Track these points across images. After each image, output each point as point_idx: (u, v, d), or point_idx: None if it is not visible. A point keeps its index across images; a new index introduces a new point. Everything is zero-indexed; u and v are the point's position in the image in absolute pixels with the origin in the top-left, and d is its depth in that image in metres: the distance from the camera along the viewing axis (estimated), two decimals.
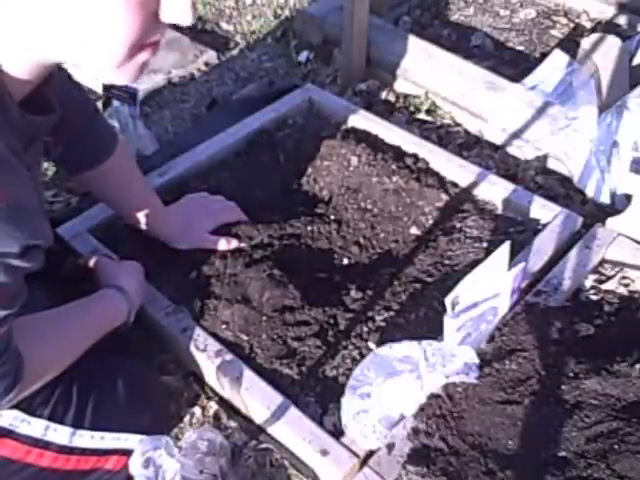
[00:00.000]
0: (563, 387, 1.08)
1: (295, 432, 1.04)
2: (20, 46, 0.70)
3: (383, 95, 1.82)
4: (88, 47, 0.68)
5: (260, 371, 1.11)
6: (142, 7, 0.66)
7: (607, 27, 1.99)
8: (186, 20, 0.69)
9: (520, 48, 1.98)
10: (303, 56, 1.96)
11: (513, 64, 1.89)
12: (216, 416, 1.15)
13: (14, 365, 0.82)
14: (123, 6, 0.64)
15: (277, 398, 1.07)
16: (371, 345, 1.17)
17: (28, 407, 0.92)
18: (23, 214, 0.72)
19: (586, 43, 1.59)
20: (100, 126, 1.19)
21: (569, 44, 1.91)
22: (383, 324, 1.20)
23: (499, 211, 1.42)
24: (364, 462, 1.01)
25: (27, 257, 0.74)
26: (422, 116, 1.76)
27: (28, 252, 0.74)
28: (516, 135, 1.62)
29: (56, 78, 0.86)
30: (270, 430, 1.09)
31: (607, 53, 1.55)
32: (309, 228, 1.36)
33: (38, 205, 0.77)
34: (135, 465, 0.98)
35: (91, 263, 1.19)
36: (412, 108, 1.78)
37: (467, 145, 1.68)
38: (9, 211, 0.69)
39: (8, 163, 0.71)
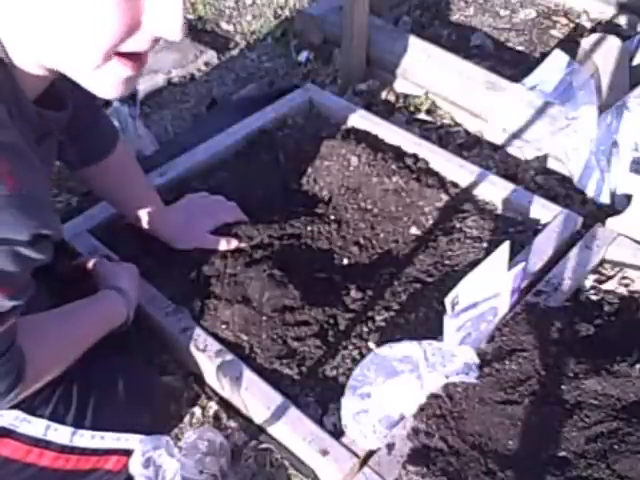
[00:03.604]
0: (563, 387, 1.08)
1: (295, 432, 1.04)
2: (23, 45, 0.69)
3: (383, 95, 1.82)
4: (67, 39, 0.65)
5: (260, 371, 1.11)
6: (123, 5, 0.63)
7: (607, 27, 2.00)
8: (175, 35, 0.65)
9: (520, 48, 1.98)
10: (303, 56, 1.96)
11: (513, 64, 1.89)
12: (216, 416, 1.15)
13: (17, 363, 0.82)
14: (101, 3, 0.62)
15: (277, 398, 1.07)
16: (371, 345, 1.17)
17: (29, 407, 0.92)
18: (34, 202, 0.70)
19: (586, 43, 1.59)
20: (103, 122, 1.19)
21: (569, 44, 1.91)
22: (383, 324, 1.20)
23: (499, 211, 1.42)
24: (364, 462, 1.01)
25: (36, 247, 0.73)
26: (422, 116, 1.76)
27: (38, 242, 0.72)
28: (516, 135, 1.62)
29: None
30: (270, 430, 1.09)
31: (607, 53, 1.55)
32: (309, 228, 1.36)
33: (49, 197, 0.77)
34: (135, 465, 0.98)
35: (89, 264, 1.19)
36: (412, 108, 1.78)
37: (467, 145, 1.68)
38: (21, 198, 0.68)
39: (22, 153, 0.71)
